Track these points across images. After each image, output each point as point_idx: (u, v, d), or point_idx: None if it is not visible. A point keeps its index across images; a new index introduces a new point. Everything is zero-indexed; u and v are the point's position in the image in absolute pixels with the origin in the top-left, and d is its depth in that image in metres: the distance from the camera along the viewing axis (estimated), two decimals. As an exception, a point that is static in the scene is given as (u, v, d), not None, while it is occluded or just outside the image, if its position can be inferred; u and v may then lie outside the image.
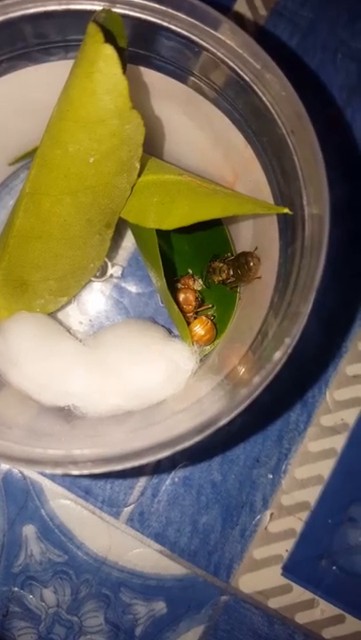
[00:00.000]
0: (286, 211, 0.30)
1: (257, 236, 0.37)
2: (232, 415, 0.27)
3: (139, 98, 0.34)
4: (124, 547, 0.43)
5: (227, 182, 0.37)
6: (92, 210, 0.34)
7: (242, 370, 0.32)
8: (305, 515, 0.45)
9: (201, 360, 0.38)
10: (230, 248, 0.41)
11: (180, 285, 0.39)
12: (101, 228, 0.36)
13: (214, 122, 0.35)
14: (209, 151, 0.37)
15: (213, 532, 0.44)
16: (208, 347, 0.40)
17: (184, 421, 0.29)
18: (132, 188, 0.34)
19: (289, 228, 0.31)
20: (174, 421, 0.31)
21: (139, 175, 0.34)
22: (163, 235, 0.36)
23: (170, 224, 0.33)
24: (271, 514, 0.45)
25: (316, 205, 0.28)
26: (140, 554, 0.44)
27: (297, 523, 0.45)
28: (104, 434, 0.35)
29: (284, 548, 0.44)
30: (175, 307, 0.36)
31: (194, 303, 0.38)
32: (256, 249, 0.37)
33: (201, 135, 0.37)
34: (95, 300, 0.44)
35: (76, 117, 0.30)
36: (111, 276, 0.43)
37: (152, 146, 0.38)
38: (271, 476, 0.45)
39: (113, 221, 0.36)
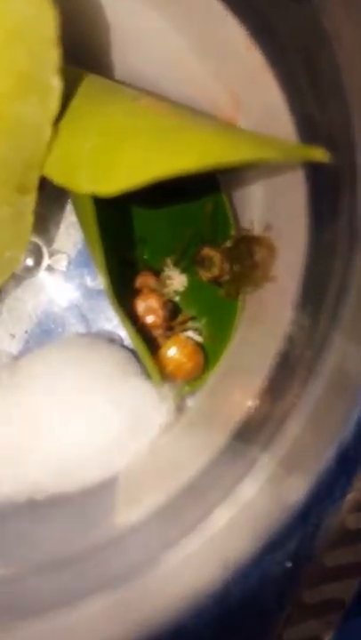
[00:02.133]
0: (321, 155, 0.16)
1: (271, 206, 0.23)
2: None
3: None
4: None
5: (223, 114, 0.23)
6: (-17, 162, 0.20)
7: (262, 423, 0.19)
8: (336, 618, 0.32)
9: (179, 407, 0.24)
10: (230, 227, 0.27)
11: (139, 286, 0.25)
12: (10, 194, 0.23)
13: (197, 10, 0.21)
14: (190, 63, 0.23)
15: None
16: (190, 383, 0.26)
17: (153, 553, 0.16)
18: (54, 123, 0.20)
19: (326, 192, 0.18)
20: (134, 547, 0.17)
21: (64, 102, 0.21)
22: (120, 202, 0.22)
23: (112, 184, 0.19)
24: (288, 616, 0.31)
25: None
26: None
27: (324, 629, 0.32)
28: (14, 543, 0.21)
29: (309, 662, 0.32)
30: (128, 321, 0.22)
31: (161, 313, 0.25)
32: (269, 229, 0.22)
33: (175, 36, 0.23)
34: (33, 302, 0.30)
35: None
36: (50, 268, 0.29)
37: (91, 55, 0.24)
38: (290, 565, 0.31)
39: (30, 182, 0.23)
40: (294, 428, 0.16)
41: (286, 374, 0.18)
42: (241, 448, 0.17)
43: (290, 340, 0.18)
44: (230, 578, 0.14)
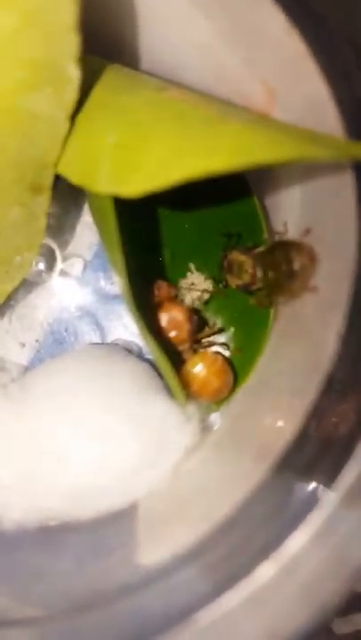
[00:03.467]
0: None
1: (311, 209, 0.21)
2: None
3: None
4: None
5: (255, 108, 0.21)
6: (-7, 160, 0.19)
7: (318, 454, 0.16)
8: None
9: (205, 428, 0.23)
10: (262, 230, 0.25)
11: (156, 298, 0.24)
12: (22, 194, 0.22)
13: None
14: (221, 53, 0.22)
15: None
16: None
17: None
18: (71, 118, 0.19)
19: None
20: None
21: (83, 94, 0.19)
22: (140, 202, 0.21)
23: (135, 185, 0.18)
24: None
25: None
26: None
27: (358, 661, 0.31)
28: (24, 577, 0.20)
29: None
30: (148, 333, 0.21)
31: (187, 327, 0.23)
32: (308, 233, 0.21)
33: (203, 20, 0.21)
34: (44, 309, 0.29)
35: None
36: (63, 272, 0.27)
37: (112, 43, 0.22)
38: None
39: (44, 181, 0.22)
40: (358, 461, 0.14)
41: (337, 398, 0.16)
42: (291, 482, 0.15)
43: (338, 359, 0.17)
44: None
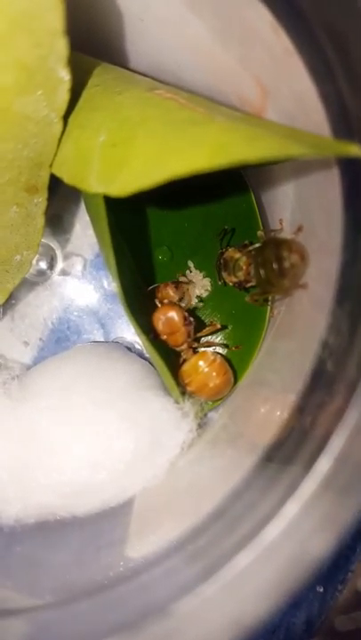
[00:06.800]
0: (356, 151, 0.15)
1: (302, 205, 0.22)
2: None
3: None
4: None
5: (251, 106, 0.21)
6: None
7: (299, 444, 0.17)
8: (373, 648, 0.32)
9: (201, 425, 0.23)
10: (258, 227, 0.26)
11: (156, 300, 0.24)
12: (19, 194, 0.22)
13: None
14: (212, 49, 0.22)
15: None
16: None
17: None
18: (64, 119, 0.19)
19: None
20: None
21: (75, 94, 0.20)
22: (137, 201, 0.21)
23: (123, 185, 0.18)
24: (319, 645, 0.30)
25: None
26: None
27: (360, 660, 0.31)
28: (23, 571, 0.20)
29: None
30: (142, 331, 0.21)
31: (183, 328, 0.23)
32: (300, 230, 0.21)
33: (197, 23, 0.21)
34: (47, 308, 0.30)
35: None
36: (64, 272, 0.28)
37: (104, 43, 0.22)
38: (322, 589, 0.30)
39: (40, 182, 0.22)
40: (339, 446, 0.14)
41: (323, 391, 0.16)
42: (275, 472, 0.16)
43: (325, 353, 0.17)
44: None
